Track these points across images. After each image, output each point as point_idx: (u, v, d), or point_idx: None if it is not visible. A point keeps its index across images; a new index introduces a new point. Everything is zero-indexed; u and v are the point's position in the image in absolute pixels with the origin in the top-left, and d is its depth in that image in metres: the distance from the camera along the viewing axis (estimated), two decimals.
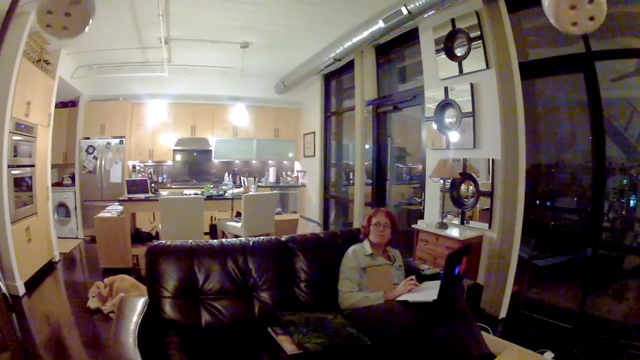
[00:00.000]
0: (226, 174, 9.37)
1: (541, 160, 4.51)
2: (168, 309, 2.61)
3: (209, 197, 6.25)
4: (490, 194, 4.27)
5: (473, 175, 4.49)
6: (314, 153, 8.92)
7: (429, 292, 2.68)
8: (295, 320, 2.63)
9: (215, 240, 3.10)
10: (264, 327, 2.70)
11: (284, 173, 10.05)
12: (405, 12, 4.41)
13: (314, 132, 8.92)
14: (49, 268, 6.01)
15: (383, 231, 3.12)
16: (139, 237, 6.35)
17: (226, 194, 6.49)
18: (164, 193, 6.68)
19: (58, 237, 6.95)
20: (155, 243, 2.86)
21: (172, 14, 5.43)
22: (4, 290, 4.15)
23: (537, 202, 4.47)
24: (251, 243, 3.08)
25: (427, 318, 2.53)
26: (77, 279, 6.06)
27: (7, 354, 2.77)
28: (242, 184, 7.69)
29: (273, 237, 3.29)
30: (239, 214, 6.21)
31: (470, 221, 4.58)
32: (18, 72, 4.80)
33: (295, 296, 3.04)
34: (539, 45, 4.40)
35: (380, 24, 4.90)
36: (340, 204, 8.46)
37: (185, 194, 6.43)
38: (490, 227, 4.27)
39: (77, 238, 8.31)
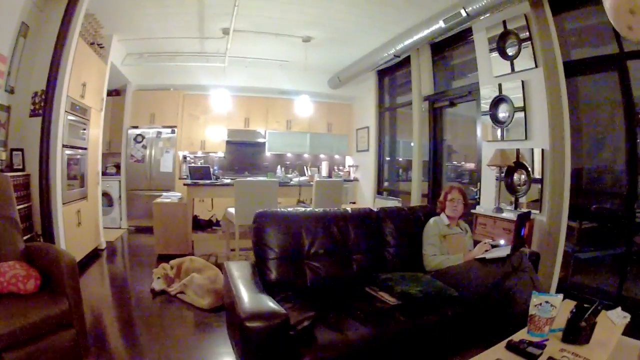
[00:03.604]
0: (278, 167, 9.84)
1: (584, 153, 5.31)
2: (274, 269, 3.32)
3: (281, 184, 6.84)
4: (540, 181, 5.16)
5: (525, 164, 5.39)
6: (368, 147, 9.80)
7: (501, 251, 3.62)
8: (392, 277, 3.39)
9: (318, 209, 4.00)
10: (360, 287, 3.45)
11: (335, 167, 10.88)
12: (464, 14, 5.39)
13: (367, 127, 9.82)
14: (94, 255, 6.45)
15: (457, 206, 4.11)
16: (197, 224, 7.09)
17: (292, 182, 7.31)
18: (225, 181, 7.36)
19: None
20: (263, 210, 3.63)
21: (241, 5, 5.93)
22: None
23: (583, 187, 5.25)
24: (350, 211, 3.99)
25: (499, 273, 3.41)
26: (129, 266, 6.63)
27: (72, 332, 2.88)
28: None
29: (366, 208, 4.23)
30: (301, 202, 7.18)
31: (521, 208, 5.45)
32: (75, 51, 5.07)
33: (384, 258, 3.92)
34: (579, 46, 5.20)
35: (441, 24, 5.87)
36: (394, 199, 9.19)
37: None
38: (540, 211, 5.14)
39: (120, 228, 9.01)
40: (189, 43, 7.92)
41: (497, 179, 5.56)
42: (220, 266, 4.95)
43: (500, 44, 5.64)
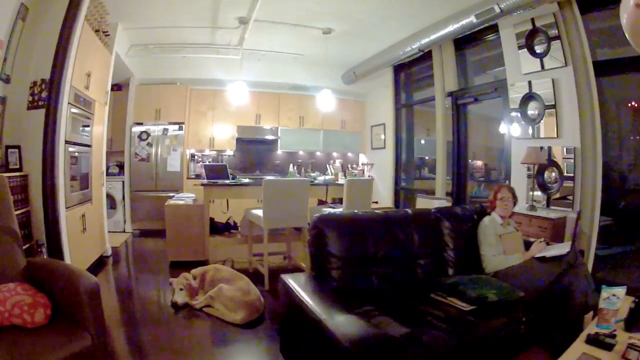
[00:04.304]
0: (291, 165, 9.19)
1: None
2: (339, 277, 3.17)
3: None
4: (571, 179, 5.12)
5: (556, 162, 5.33)
6: (384, 145, 9.64)
7: (561, 248, 3.63)
8: (458, 282, 3.32)
9: (378, 210, 3.89)
10: (425, 292, 3.30)
11: (348, 165, 10.52)
12: (497, 10, 5.28)
13: (383, 124, 9.64)
14: (99, 264, 5.93)
15: (507, 204, 4.02)
16: (213, 227, 6.62)
17: (316, 181, 6.89)
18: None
19: None
20: (320, 214, 3.43)
21: None
22: None
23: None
24: (410, 212, 3.91)
25: (556, 270, 3.37)
26: (140, 275, 6.17)
27: None
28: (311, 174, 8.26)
29: (423, 209, 4.19)
30: (321, 202, 7.01)
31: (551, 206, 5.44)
32: (80, 36, 4.58)
33: (445, 261, 3.82)
34: (605, 46, 5.15)
35: (472, 19, 5.76)
36: (410, 197, 9.06)
37: None
38: (572, 209, 5.08)
39: (124, 232, 8.50)
40: (198, 33, 7.58)
41: (528, 177, 5.55)
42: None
43: (528, 42, 5.61)
